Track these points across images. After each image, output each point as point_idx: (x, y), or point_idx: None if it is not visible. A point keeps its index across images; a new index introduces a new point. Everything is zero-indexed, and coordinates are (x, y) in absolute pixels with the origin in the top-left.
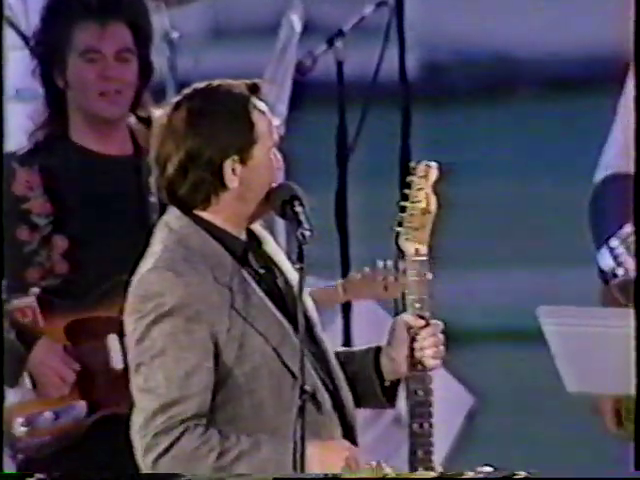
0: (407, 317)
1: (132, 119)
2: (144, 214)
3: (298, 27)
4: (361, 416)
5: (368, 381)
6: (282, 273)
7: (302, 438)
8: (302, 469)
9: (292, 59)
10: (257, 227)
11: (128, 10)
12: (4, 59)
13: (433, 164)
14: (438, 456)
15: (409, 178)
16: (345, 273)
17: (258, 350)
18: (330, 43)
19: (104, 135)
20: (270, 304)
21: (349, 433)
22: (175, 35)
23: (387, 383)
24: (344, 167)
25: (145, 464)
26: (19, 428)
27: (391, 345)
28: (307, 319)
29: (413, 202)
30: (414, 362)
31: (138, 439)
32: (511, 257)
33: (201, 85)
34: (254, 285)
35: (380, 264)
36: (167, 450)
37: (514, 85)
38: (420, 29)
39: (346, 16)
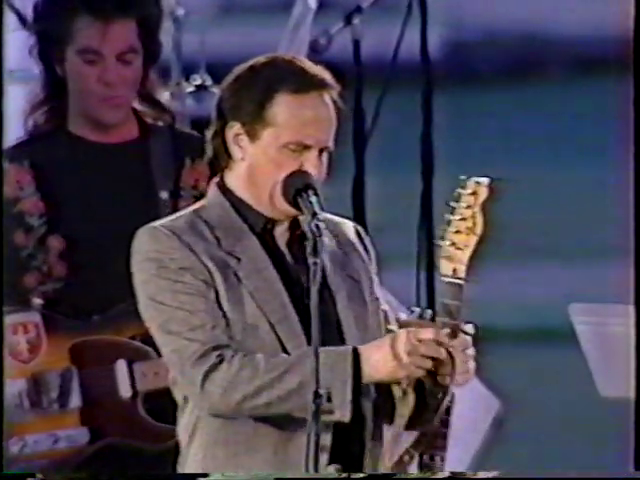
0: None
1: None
2: (151, 207)
3: (313, 3)
4: None
5: None
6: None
7: (317, 442)
8: (316, 469)
9: (306, 37)
10: (333, 222)
11: (138, 5)
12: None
13: (484, 180)
14: (464, 461)
15: (458, 191)
16: None
17: (252, 320)
18: (347, 20)
19: (104, 124)
20: (280, 284)
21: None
22: (181, 12)
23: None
24: (361, 153)
25: (194, 393)
26: (14, 449)
27: None
28: (337, 319)
29: (461, 219)
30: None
31: (180, 378)
32: (542, 250)
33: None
34: (269, 262)
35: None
36: (207, 375)
37: (542, 65)
38: (443, 5)
39: None
